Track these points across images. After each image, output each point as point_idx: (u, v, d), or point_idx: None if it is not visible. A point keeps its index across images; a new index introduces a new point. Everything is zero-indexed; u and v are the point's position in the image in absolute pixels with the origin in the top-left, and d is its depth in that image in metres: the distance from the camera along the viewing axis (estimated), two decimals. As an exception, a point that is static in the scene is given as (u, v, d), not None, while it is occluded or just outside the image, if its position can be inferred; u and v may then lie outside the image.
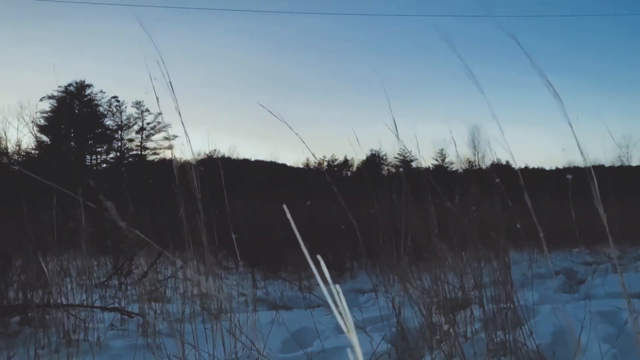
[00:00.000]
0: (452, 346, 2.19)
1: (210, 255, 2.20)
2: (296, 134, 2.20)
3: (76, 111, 33.64)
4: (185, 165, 2.13)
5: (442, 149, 34.17)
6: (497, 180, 2.22)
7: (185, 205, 2.10)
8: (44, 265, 2.69)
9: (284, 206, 0.58)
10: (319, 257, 0.52)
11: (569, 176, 1.68)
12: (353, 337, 0.49)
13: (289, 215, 0.56)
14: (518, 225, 2.15)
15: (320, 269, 0.52)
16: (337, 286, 0.50)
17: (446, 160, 34.30)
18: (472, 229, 2.68)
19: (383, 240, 2.95)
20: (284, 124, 2.13)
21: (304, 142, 2.26)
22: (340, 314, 0.50)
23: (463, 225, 2.73)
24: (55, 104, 33.28)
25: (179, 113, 1.99)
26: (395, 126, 2.39)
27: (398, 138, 2.38)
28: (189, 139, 2.09)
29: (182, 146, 2.15)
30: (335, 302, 0.50)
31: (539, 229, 1.23)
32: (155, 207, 5.52)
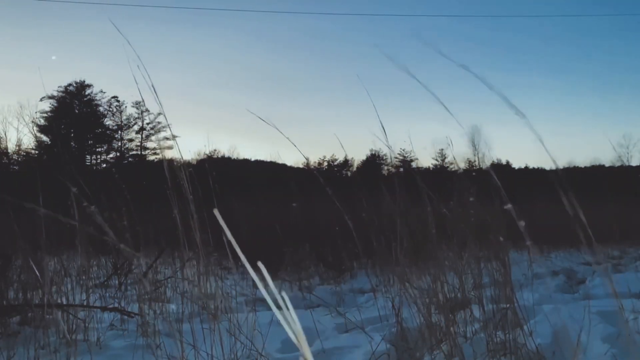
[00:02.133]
0: (452, 346, 2.19)
1: (206, 255, 2.20)
2: (287, 137, 2.20)
3: (76, 111, 33.64)
4: (177, 167, 2.14)
5: (442, 149, 34.16)
6: (472, 192, 2.23)
7: (180, 206, 2.10)
8: (35, 269, 2.68)
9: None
10: (259, 263, 0.51)
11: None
12: (304, 346, 0.48)
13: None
14: (501, 239, 2.16)
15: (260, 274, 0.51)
16: (283, 293, 0.49)
17: (446, 160, 34.29)
18: (471, 228, 2.68)
19: (380, 241, 2.95)
20: (282, 125, 2.13)
21: (295, 145, 2.27)
22: (287, 320, 0.49)
23: (462, 225, 2.72)
24: (55, 104, 33.29)
25: (165, 117, 2.00)
26: (384, 130, 2.39)
27: (389, 147, 2.38)
28: (176, 140, 2.11)
29: (176, 147, 2.15)
30: (279, 306, 0.50)
31: (526, 237, 1.23)
32: (153, 207, 5.52)
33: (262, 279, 0.51)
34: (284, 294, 0.49)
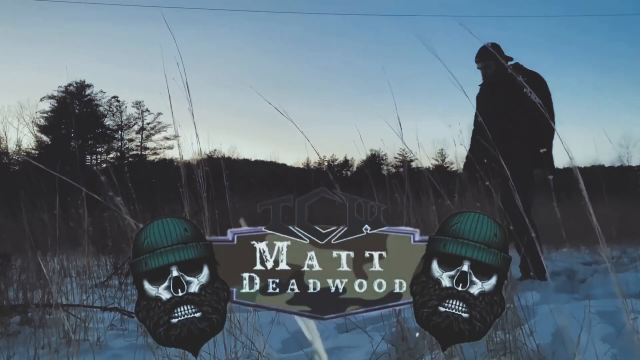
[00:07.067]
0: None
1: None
2: (302, 132, 2.18)
3: (76, 111, 33.67)
4: (190, 165, 2.14)
5: (442, 149, 34.22)
6: (487, 183, 2.22)
7: (189, 204, 2.10)
8: (42, 266, 2.69)
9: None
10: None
11: (551, 177, 1.70)
12: (318, 344, 0.49)
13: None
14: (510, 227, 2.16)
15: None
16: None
17: (446, 160, 34.33)
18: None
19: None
20: (290, 122, 2.11)
21: (308, 140, 2.24)
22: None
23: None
24: (55, 104, 33.32)
25: (192, 114, 2.00)
26: (400, 125, 2.36)
27: (401, 136, 2.35)
28: (199, 139, 2.11)
29: (188, 145, 2.15)
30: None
31: (530, 230, 1.23)
32: (155, 205, 5.52)
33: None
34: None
